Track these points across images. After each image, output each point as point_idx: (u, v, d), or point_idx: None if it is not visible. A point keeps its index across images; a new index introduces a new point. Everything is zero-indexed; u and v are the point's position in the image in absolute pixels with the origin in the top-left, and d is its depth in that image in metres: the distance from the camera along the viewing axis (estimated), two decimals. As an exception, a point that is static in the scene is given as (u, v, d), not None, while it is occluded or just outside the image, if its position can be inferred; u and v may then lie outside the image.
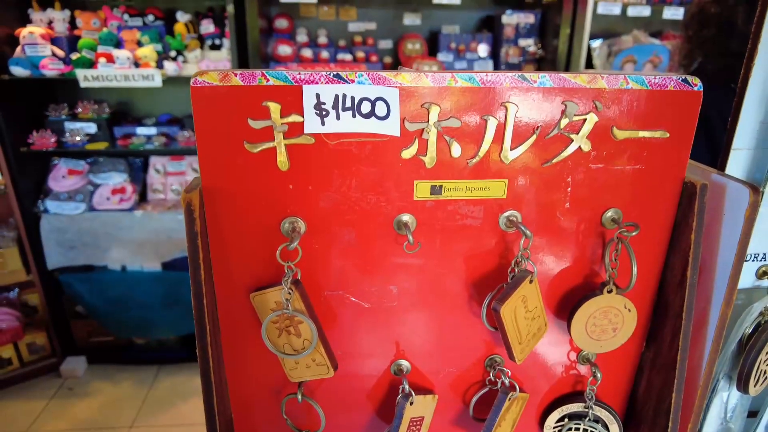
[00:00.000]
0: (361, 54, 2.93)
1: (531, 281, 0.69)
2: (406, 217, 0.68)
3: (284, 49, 2.82)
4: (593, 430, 0.80)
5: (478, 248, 0.71)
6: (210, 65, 2.67)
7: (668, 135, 0.68)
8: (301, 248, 0.66)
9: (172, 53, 2.62)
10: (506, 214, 0.69)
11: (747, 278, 0.80)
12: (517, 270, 0.69)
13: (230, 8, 2.54)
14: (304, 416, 0.77)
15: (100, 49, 2.57)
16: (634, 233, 0.68)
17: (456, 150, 0.65)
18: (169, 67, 2.58)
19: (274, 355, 0.71)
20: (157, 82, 2.58)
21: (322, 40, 2.95)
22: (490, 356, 0.77)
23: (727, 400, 0.82)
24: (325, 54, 2.89)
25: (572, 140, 0.67)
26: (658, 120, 0.68)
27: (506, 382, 0.75)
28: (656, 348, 0.78)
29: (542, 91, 0.64)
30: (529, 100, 0.64)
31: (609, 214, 0.71)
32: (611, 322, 0.73)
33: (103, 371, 3.03)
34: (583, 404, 0.79)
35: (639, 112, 0.67)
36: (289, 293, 0.64)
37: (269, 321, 0.66)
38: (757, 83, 0.74)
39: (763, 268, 0.77)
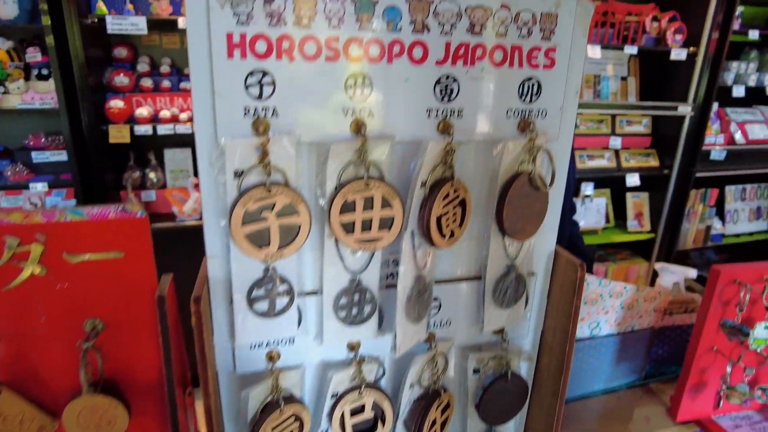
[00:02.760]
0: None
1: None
2: None
3: (121, 79, 2.84)
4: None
5: None
6: (35, 97, 2.68)
7: (124, 254, 0.78)
8: None
9: (-7, 84, 2.61)
10: (-18, 329, 0.78)
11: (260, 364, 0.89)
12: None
13: (50, 40, 2.54)
14: None
15: None
16: (91, 342, 0.78)
17: None
18: (-12, 99, 2.58)
19: None
20: (-23, 114, 2.58)
21: (165, 69, 2.98)
22: None
23: None
24: (166, 83, 2.92)
25: (23, 267, 0.75)
26: (110, 243, 0.77)
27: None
28: None
29: (-20, 228, 0.73)
30: (-30, 236, 0.73)
31: (91, 323, 0.80)
32: (109, 422, 0.83)
33: None
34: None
35: (87, 239, 0.76)
36: None
37: None
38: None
39: (269, 353, 0.88)
